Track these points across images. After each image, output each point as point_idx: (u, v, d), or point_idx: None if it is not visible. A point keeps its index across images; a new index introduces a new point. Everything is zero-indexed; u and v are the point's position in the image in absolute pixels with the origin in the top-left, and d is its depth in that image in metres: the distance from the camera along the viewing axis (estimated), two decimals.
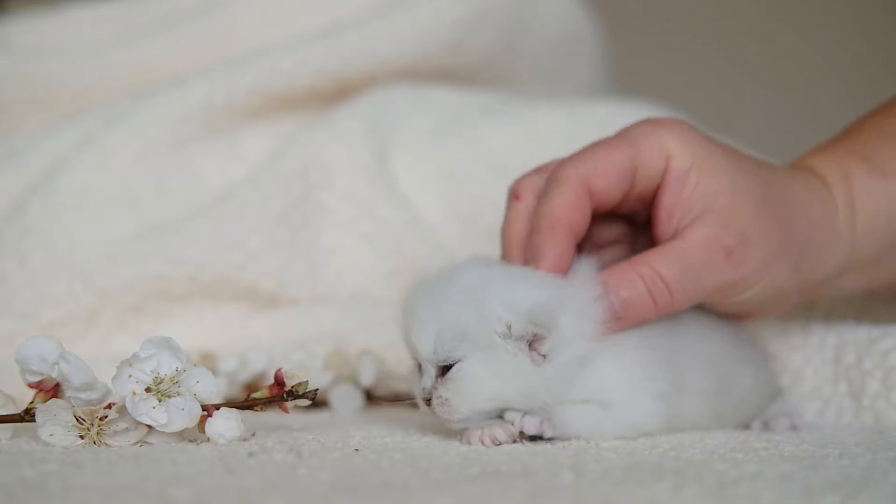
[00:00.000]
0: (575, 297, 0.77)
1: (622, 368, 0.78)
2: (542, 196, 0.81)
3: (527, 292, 0.76)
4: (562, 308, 0.76)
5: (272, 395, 0.79)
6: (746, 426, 0.89)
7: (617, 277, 0.78)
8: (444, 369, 0.77)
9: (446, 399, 0.77)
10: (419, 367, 0.80)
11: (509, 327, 0.75)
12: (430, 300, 0.78)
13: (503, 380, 0.76)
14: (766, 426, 0.88)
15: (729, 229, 0.79)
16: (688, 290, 0.79)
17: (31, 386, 0.78)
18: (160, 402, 0.76)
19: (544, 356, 0.76)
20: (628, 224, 0.88)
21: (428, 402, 0.78)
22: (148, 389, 0.75)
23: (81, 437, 0.75)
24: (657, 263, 0.78)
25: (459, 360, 0.76)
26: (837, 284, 0.89)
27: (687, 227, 0.80)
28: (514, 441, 0.78)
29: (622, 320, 0.78)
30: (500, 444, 0.77)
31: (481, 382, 0.76)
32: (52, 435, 0.75)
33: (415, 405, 0.81)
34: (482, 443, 0.77)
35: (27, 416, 0.77)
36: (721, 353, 0.84)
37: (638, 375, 0.79)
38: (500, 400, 0.77)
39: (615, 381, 0.78)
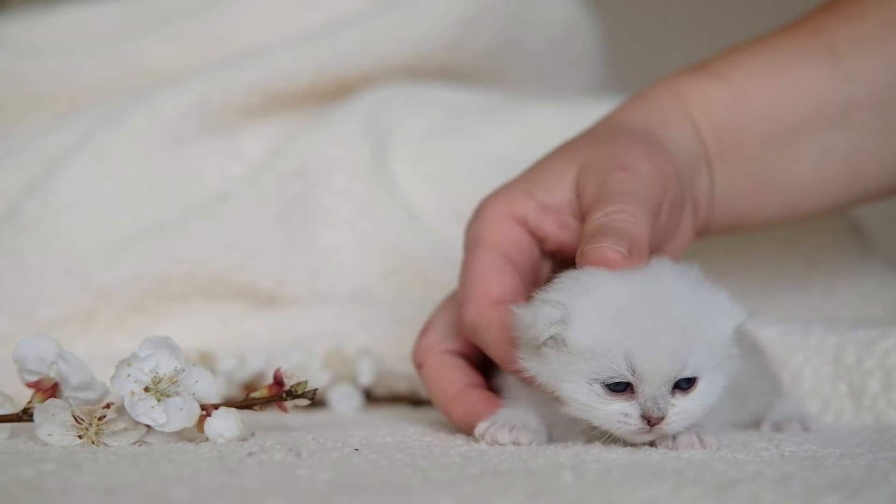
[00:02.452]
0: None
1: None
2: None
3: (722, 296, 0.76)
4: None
5: (271, 394, 0.79)
6: (750, 426, 0.89)
7: (602, 230, 0.78)
8: (678, 385, 0.74)
9: (690, 412, 0.74)
10: (608, 386, 0.74)
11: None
12: (677, 315, 0.73)
13: (725, 389, 0.76)
14: (778, 427, 0.88)
15: (604, 161, 0.83)
16: (638, 205, 0.79)
17: (28, 385, 0.77)
18: (159, 401, 0.75)
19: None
20: None
21: (650, 420, 0.73)
22: (146, 389, 0.75)
23: (80, 436, 0.75)
24: (601, 206, 0.80)
25: (702, 375, 0.74)
26: (706, 176, 0.90)
27: None
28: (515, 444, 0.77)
29: (637, 251, 0.77)
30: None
31: (718, 393, 0.75)
32: (50, 434, 0.75)
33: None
34: (484, 437, 0.77)
35: (25, 415, 0.77)
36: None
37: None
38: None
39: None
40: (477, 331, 0.81)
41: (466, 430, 0.81)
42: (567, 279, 0.76)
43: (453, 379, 0.83)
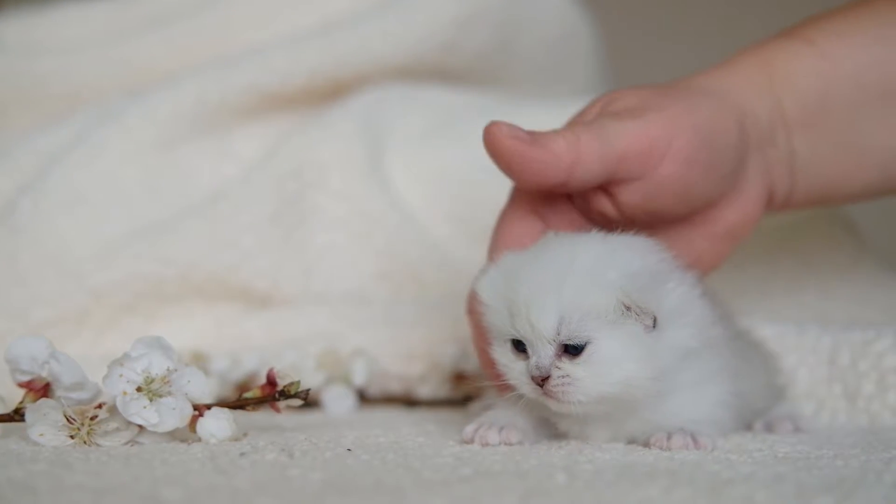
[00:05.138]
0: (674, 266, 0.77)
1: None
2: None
3: (630, 261, 0.75)
4: (667, 275, 0.76)
5: (264, 394, 0.79)
6: (748, 427, 0.89)
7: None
8: (569, 350, 0.74)
9: (577, 380, 0.74)
10: (514, 345, 0.77)
11: (629, 301, 0.73)
12: (550, 275, 0.74)
13: (637, 362, 0.74)
14: (770, 428, 0.88)
15: (617, 107, 0.84)
16: (589, 135, 0.80)
17: (21, 385, 0.77)
18: (151, 401, 0.75)
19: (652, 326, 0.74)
20: None
21: (540, 382, 0.75)
22: (139, 389, 0.75)
23: (72, 436, 0.75)
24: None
25: (589, 341, 0.74)
26: (782, 145, 0.89)
27: None
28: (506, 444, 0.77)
29: (535, 146, 0.79)
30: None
31: (619, 363, 0.74)
32: (42, 435, 0.75)
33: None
34: (474, 439, 0.77)
35: (17, 415, 0.77)
36: (741, 367, 0.84)
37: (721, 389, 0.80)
38: (630, 384, 0.74)
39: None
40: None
41: (492, 379, 0.83)
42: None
43: None
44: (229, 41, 1.31)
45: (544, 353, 0.75)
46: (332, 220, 1.18)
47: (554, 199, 0.85)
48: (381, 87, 1.28)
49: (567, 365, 0.74)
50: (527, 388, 0.76)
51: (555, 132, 0.81)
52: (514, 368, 0.77)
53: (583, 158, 0.80)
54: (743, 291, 1.07)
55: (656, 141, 0.81)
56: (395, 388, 1.09)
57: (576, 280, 0.74)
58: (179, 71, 1.27)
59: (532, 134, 0.80)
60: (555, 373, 0.74)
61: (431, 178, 1.23)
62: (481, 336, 0.82)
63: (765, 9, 2.12)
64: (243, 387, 1.02)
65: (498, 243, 0.85)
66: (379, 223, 1.18)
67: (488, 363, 0.81)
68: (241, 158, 1.24)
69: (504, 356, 0.78)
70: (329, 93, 1.28)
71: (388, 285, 1.17)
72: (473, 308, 0.84)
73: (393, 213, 1.18)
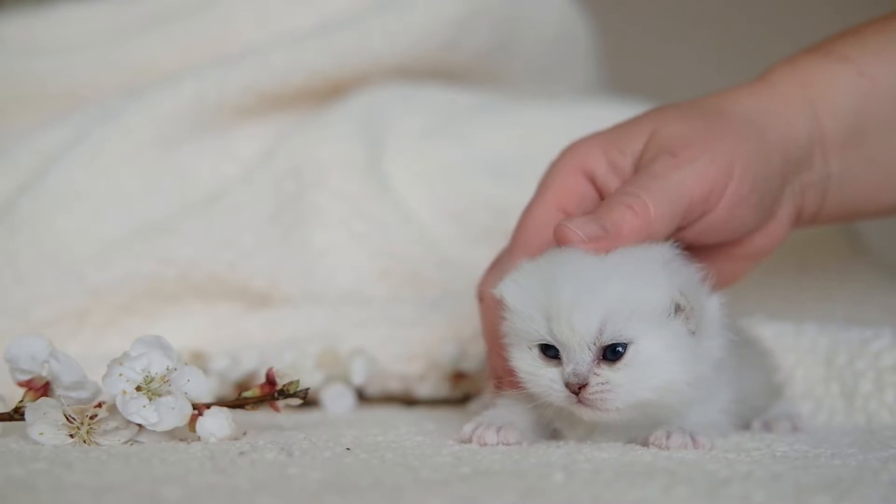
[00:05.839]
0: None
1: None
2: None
3: (678, 264, 0.75)
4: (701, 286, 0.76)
5: (263, 394, 0.79)
6: (741, 426, 0.89)
7: (600, 209, 0.80)
8: (607, 356, 0.73)
9: (617, 386, 0.72)
10: (543, 351, 0.75)
11: (683, 301, 0.72)
12: (595, 275, 0.73)
13: (679, 365, 0.73)
14: (768, 427, 0.88)
15: (670, 140, 0.83)
16: (658, 196, 0.80)
17: (20, 384, 0.77)
18: (151, 400, 0.75)
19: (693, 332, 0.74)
20: None
21: (577, 390, 0.73)
22: (138, 388, 0.75)
23: (71, 435, 0.75)
24: (626, 185, 0.82)
25: (631, 341, 0.72)
26: (818, 167, 0.89)
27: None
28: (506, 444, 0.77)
29: (611, 237, 0.78)
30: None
31: (662, 365, 0.72)
32: (41, 434, 0.75)
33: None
34: (472, 439, 0.77)
35: (17, 414, 0.77)
36: (741, 368, 0.84)
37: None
38: (669, 388, 0.73)
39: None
40: None
41: (498, 374, 0.83)
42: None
43: None
44: (229, 41, 1.31)
45: (582, 358, 0.73)
46: (331, 220, 1.18)
47: (584, 201, 0.85)
48: (380, 87, 1.28)
49: (606, 371, 0.73)
50: (557, 397, 0.74)
51: (622, 203, 0.79)
52: (541, 376, 0.75)
53: (655, 227, 0.79)
54: (742, 292, 1.07)
55: (715, 185, 0.82)
56: (394, 387, 1.09)
57: (624, 277, 0.72)
58: (179, 70, 1.27)
59: (601, 220, 0.77)
60: (593, 380, 0.73)
61: (431, 178, 1.23)
62: (494, 326, 0.82)
63: (764, 9, 2.12)
64: (243, 386, 1.02)
65: (523, 238, 0.84)
66: (378, 223, 1.18)
67: (499, 355, 0.82)
68: (240, 158, 1.25)
69: (529, 363, 0.75)
70: (328, 92, 1.28)
71: (388, 285, 1.17)
72: (485, 296, 0.84)
73: (392, 213, 1.18)
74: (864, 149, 0.90)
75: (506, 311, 0.77)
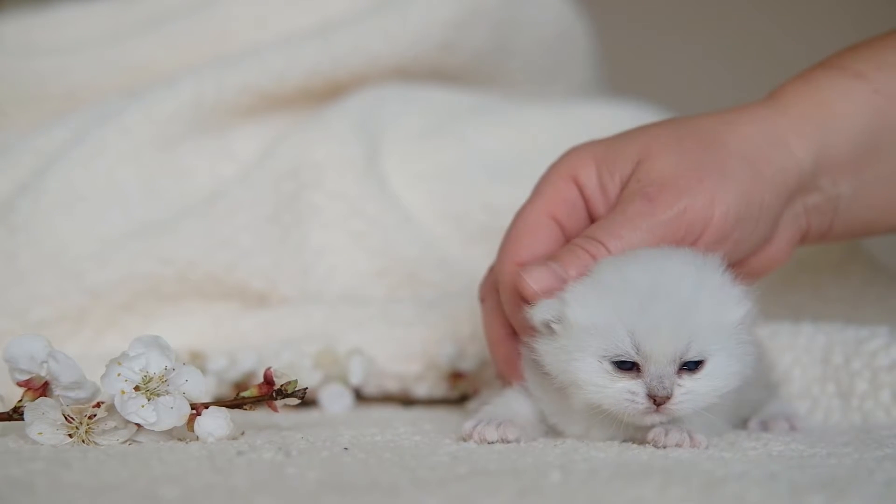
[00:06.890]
0: None
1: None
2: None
3: (732, 278, 0.78)
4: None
5: (261, 393, 0.79)
6: (738, 425, 0.89)
7: (563, 258, 0.81)
8: (687, 366, 0.75)
9: (699, 395, 0.75)
10: (617, 365, 0.76)
11: (753, 316, 0.76)
12: (681, 295, 0.75)
13: (739, 374, 0.77)
14: (765, 427, 0.89)
15: (651, 178, 0.83)
16: (623, 245, 0.80)
17: (19, 384, 0.78)
18: (149, 400, 0.75)
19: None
20: None
21: (663, 400, 0.75)
22: (137, 388, 0.75)
23: (70, 435, 0.75)
24: (594, 228, 0.82)
25: (709, 357, 0.76)
26: (827, 189, 0.89)
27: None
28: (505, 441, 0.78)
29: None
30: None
31: (733, 376, 0.76)
32: (40, 433, 0.75)
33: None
34: (471, 436, 0.77)
35: (15, 414, 0.77)
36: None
37: None
38: (724, 395, 0.77)
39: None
40: (498, 285, 0.85)
41: (501, 373, 0.85)
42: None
43: (504, 322, 0.86)
44: (228, 41, 1.31)
45: (667, 372, 0.75)
46: (329, 220, 1.18)
47: (575, 210, 0.85)
48: (378, 87, 1.28)
49: (688, 382, 0.76)
50: (631, 407, 0.75)
51: (586, 250, 0.80)
52: (616, 389, 0.76)
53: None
54: None
55: (690, 229, 0.82)
56: (392, 387, 1.09)
57: (710, 296, 0.76)
58: (178, 71, 1.27)
59: (559, 271, 0.79)
60: (677, 391, 0.75)
61: (429, 178, 1.23)
62: (493, 327, 0.83)
63: (763, 9, 2.12)
64: (241, 386, 1.02)
65: (514, 243, 0.84)
66: (376, 223, 1.18)
67: (500, 354, 0.83)
68: (238, 158, 1.25)
69: (600, 376, 0.76)
70: (327, 93, 1.28)
71: (385, 284, 1.18)
72: (487, 297, 0.85)
73: (390, 213, 1.18)
74: (879, 166, 0.89)
75: (566, 327, 0.76)
